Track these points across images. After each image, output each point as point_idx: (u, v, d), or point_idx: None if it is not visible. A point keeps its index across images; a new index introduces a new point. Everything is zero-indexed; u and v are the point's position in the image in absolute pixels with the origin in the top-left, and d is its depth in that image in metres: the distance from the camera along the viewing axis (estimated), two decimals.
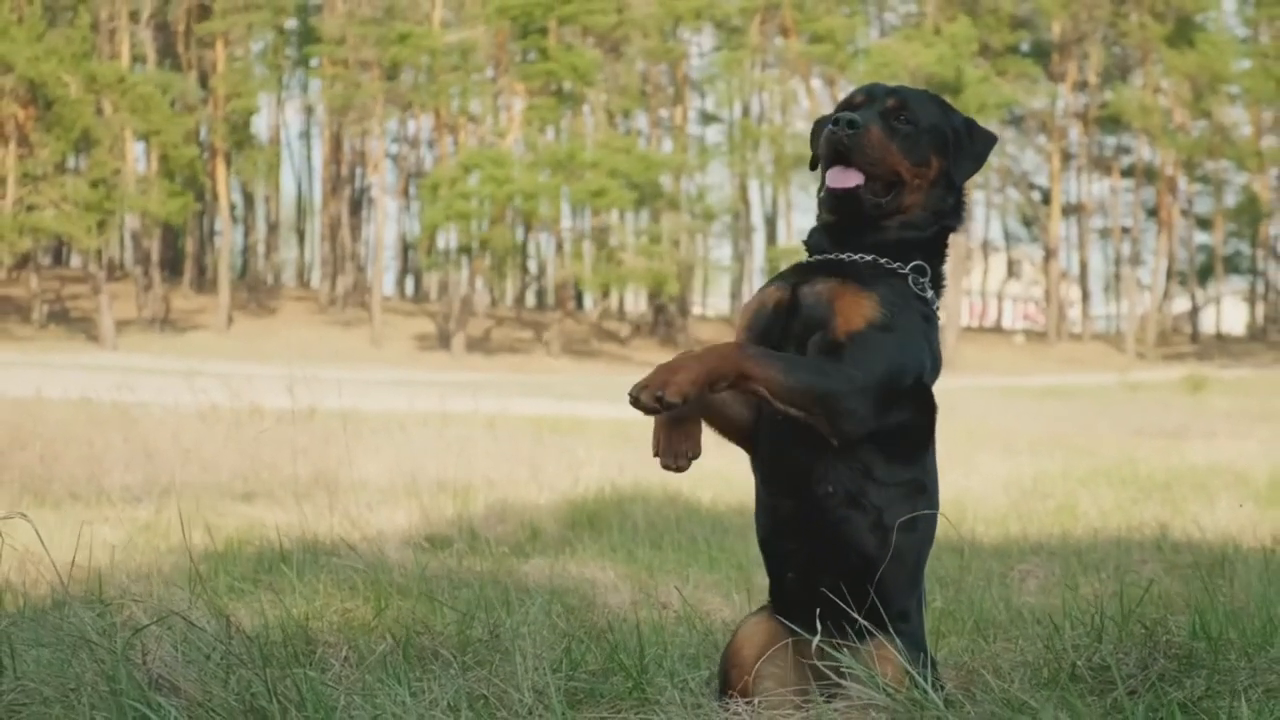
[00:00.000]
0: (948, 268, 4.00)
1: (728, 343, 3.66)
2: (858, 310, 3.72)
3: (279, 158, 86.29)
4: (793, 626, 3.78)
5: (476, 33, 73.76)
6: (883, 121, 3.84)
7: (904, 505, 3.76)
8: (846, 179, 3.79)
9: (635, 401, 3.53)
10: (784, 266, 4.05)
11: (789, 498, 3.77)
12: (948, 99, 4.13)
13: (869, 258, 3.83)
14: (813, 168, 4.03)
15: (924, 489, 3.83)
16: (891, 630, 3.73)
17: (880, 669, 3.66)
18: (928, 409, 3.84)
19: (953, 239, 4.03)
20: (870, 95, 3.93)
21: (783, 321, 3.79)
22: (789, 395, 3.58)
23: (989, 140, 4.05)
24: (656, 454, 3.67)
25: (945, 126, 3.93)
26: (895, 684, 3.63)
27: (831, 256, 3.85)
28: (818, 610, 3.73)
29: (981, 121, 4.15)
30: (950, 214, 3.96)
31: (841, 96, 4.10)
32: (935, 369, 3.87)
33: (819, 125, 4.10)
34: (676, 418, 3.64)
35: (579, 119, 76.75)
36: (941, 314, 3.98)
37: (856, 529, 3.72)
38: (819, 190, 3.94)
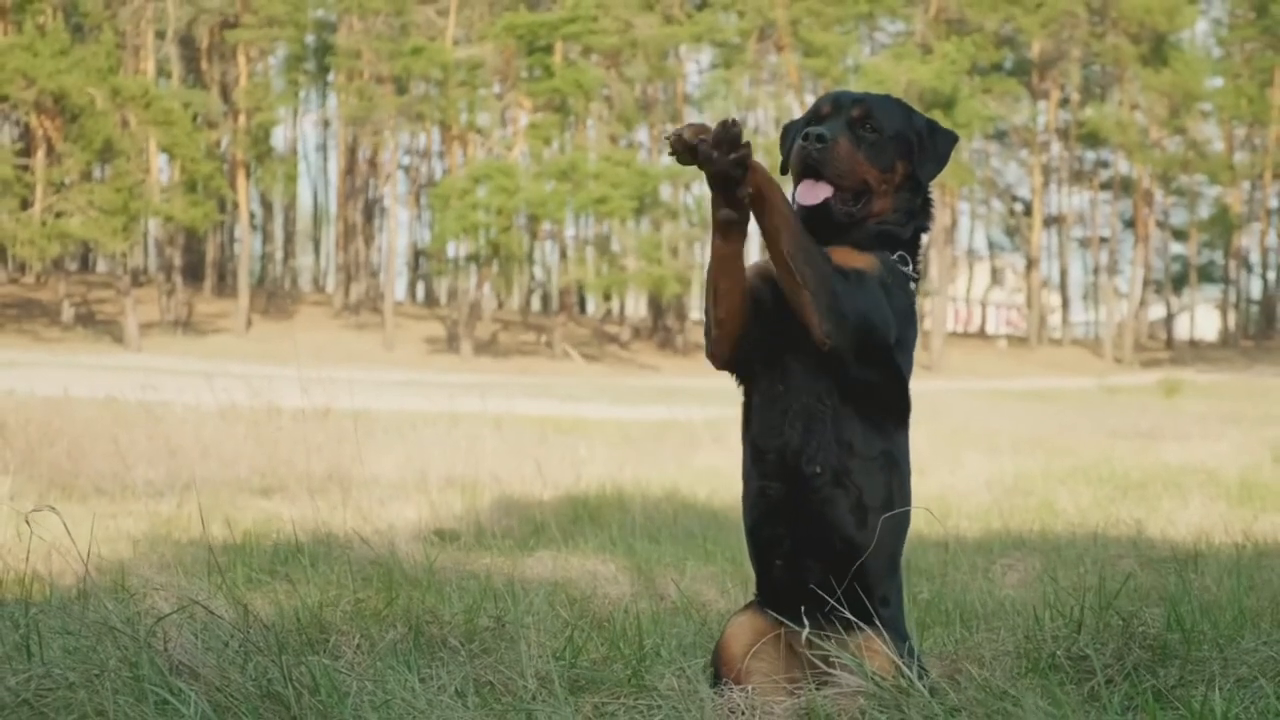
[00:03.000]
0: (930, 274, 4.01)
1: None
2: (858, 258, 3.76)
3: (296, 169, 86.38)
4: (780, 618, 3.78)
5: (485, 50, 73.74)
6: (850, 131, 3.84)
7: (880, 479, 3.76)
8: (816, 193, 3.79)
9: (678, 139, 3.56)
10: None
11: (777, 479, 3.76)
12: (941, 114, 4.12)
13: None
14: (783, 172, 4.04)
15: (897, 463, 3.83)
16: (876, 617, 3.73)
17: (868, 660, 3.66)
18: (899, 381, 3.83)
19: (936, 250, 4.04)
20: (836, 105, 3.92)
21: (774, 289, 3.77)
22: (794, 250, 3.61)
23: (950, 139, 4.04)
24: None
25: (909, 131, 3.93)
26: (882, 673, 3.63)
27: None
28: (803, 597, 3.74)
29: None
30: (921, 214, 3.97)
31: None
32: (907, 352, 3.86)
33: (787, 130, 4.11)
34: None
35: (582, 132, 76.73)
36: (927, 320, 3.99)
37: (839, 510, 3.72)
38: (791, 200, 3.94)
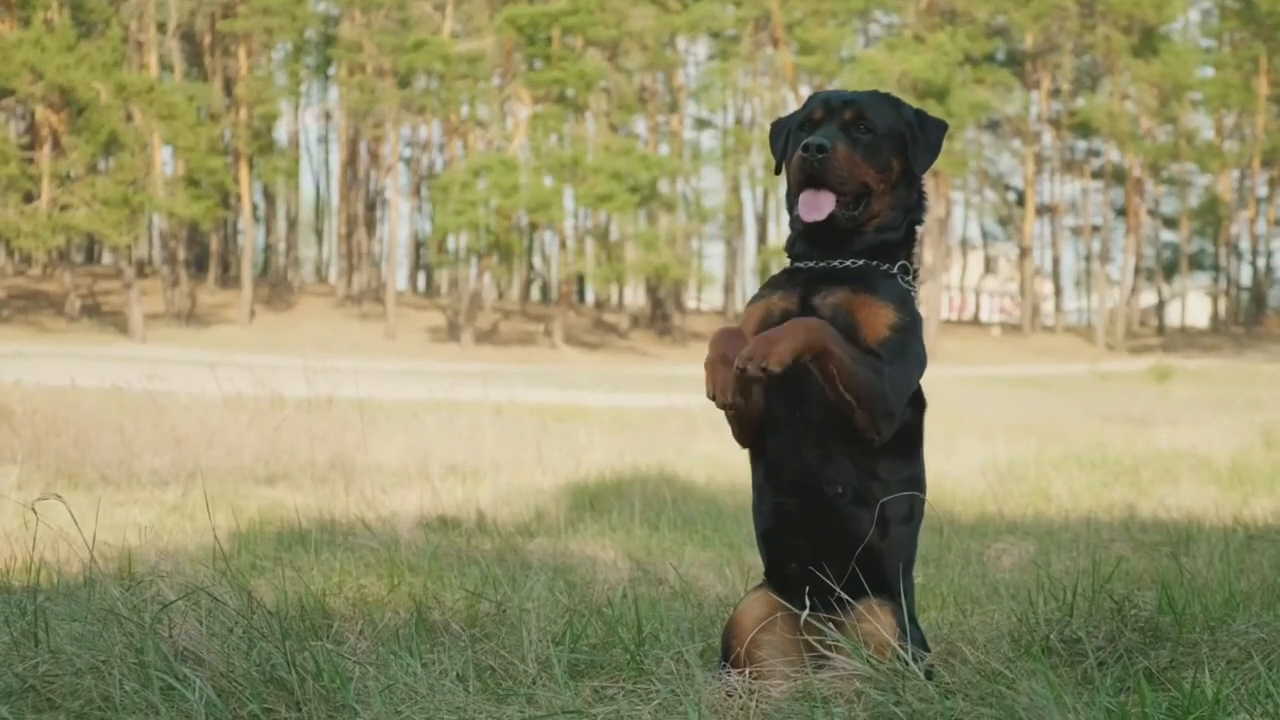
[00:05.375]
0: (925, 262, 4.03)
1: (808, 319, 3.64)
2: (881, 319, 3.75)
3: (298, 161, 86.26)
4: (790, 606, 3.80)
5: (485, 43, 73.63)
6: (845, 135, 3.83)
7: (904, 499, 3.79)
8: (819, 206, 3.79)
9: (742, 372, 3.53)
10: (773, 264, 4.05)
11: (795, 497, 3.78)
12: (935, 104, 4.12)
13: (860, 262, 3.83)
14: (776, 172, 4.05)
15: (920, 484, 3.88)
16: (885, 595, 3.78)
17: (870, 623, 3.69)
18: (921, 405, 3.88)
19: (931, 240, 4.05)
20: (828, 108, 3.90)
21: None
22: (852, 381, 3.61)
23: (940, 128, 4.03)
24: (712, 395, 3.65)
25: (900, 126, 3.92)
26: (885, 633, 3.66)
27: (826, 264, 3.85)
28: (817, 592, 3.75)
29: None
30: (916, 208, 3.97)
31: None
32: (922, 372, 3.89)
33: (777, 127, 4.10)
34: (725, 361, 3.63)
35: (581, 125, 76.65)
36: (922, 309, 4.00)
37: (862, 525, 3.74)
38: (787, 197, 3.95)
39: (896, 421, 3.69)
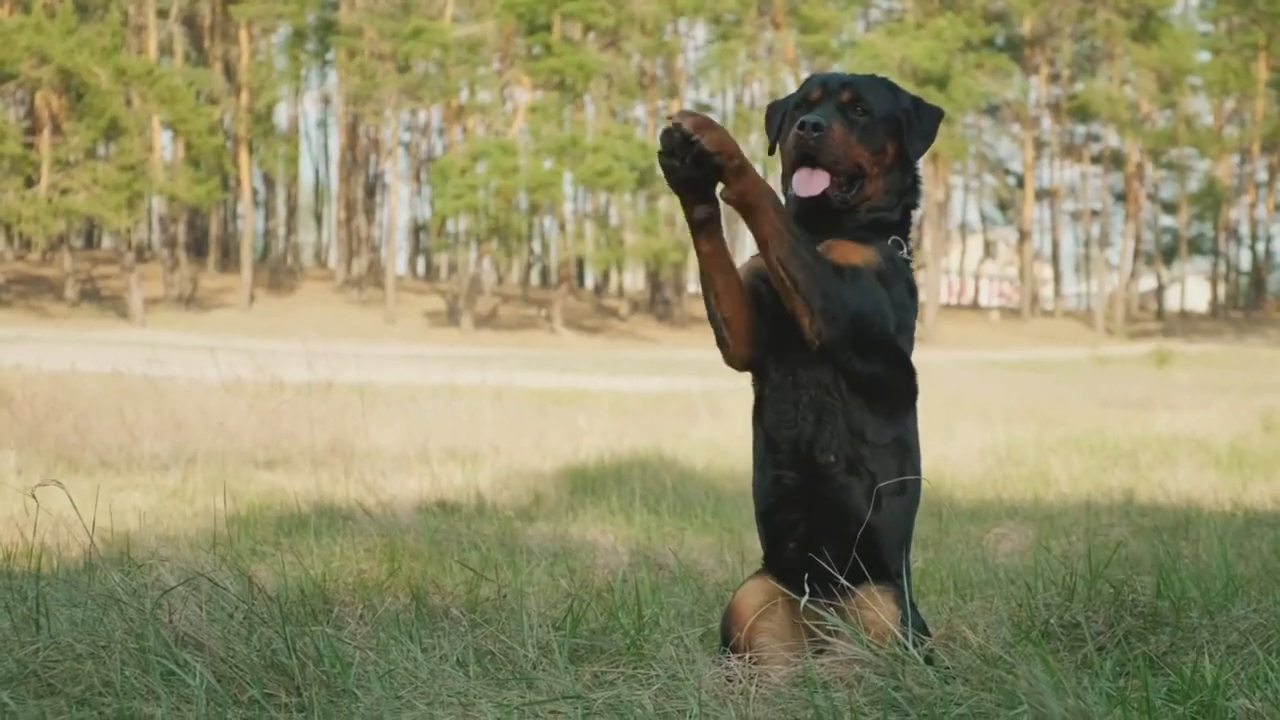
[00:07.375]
0: (924, 247, 4.03)
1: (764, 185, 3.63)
2: (856, 253, 3.76)
3: (298, 146, 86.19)
4: (788, 592, 3.80)
5: (485, 28, 73.50)
6: (841, 115, 3.83)
7: (893, 465, 3.79)
8: (813, 184, 3.78)
9: (676, 127, 3.53)
10: None
11: (792, 469, 3.78)
12: (935, 91, 4.11)
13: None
14: (770, 153, 4.05)
15: (909, 448, 3.86)
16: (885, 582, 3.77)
17: (870, 610, 3.68)
18: (904, 369, 3.85)
19: (930, 224, 4.03)
20: (825, 89, 3.90)
21: (770, 284, 3.76)
22: (786, 256, 3.60)
23: (936, 115, 4.03)
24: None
25: (897, 110, 3.91)
26: (886, 620, 3.66)
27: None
28: (815, 574, 3.76)
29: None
30: (910, 192, 3.97)
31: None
32: (909, 338, 3.86)
33: (772, 109, 4.10)
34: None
35: (581, 110, 76.53)
36: (921, 292, 4.00)
37: (855, 497, 3.74)
38: (783, 179, 3.94)
39: (839, 327, 3.62)
